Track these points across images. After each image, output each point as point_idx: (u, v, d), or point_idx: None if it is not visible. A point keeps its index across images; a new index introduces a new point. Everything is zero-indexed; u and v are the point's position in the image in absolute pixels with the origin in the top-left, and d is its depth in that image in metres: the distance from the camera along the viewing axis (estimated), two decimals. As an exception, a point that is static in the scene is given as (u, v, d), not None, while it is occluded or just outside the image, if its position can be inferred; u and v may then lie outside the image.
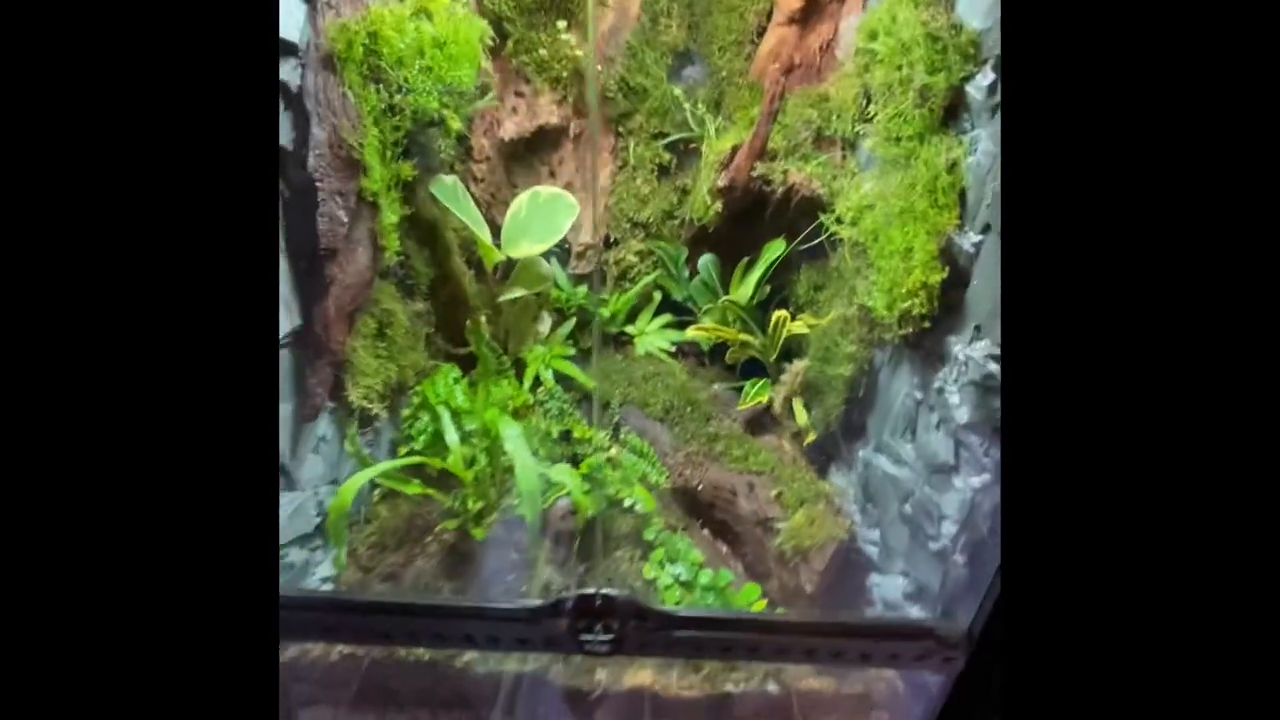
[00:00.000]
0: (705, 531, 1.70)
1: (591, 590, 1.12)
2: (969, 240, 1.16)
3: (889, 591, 1.43)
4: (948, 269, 1.19)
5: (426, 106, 1.40)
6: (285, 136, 1.22)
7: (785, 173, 1.70)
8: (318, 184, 1.24)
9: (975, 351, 1.13)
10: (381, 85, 1.32)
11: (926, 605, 1.35)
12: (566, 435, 1.87)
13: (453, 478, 1.54)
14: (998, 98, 1.11)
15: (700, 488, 1.68)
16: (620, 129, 1.95)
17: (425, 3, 1.36)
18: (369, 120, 1.31)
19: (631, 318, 2.22)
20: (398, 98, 1.35)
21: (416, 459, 1.47)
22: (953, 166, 1.19)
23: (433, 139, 1.61)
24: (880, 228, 1.35)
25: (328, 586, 1.43)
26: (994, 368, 1.09)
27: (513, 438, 1.44)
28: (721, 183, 1.79)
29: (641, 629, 1.10)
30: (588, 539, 1.58)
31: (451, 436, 1.58)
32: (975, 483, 1.18)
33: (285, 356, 1.29)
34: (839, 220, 1.54)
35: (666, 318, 2.21)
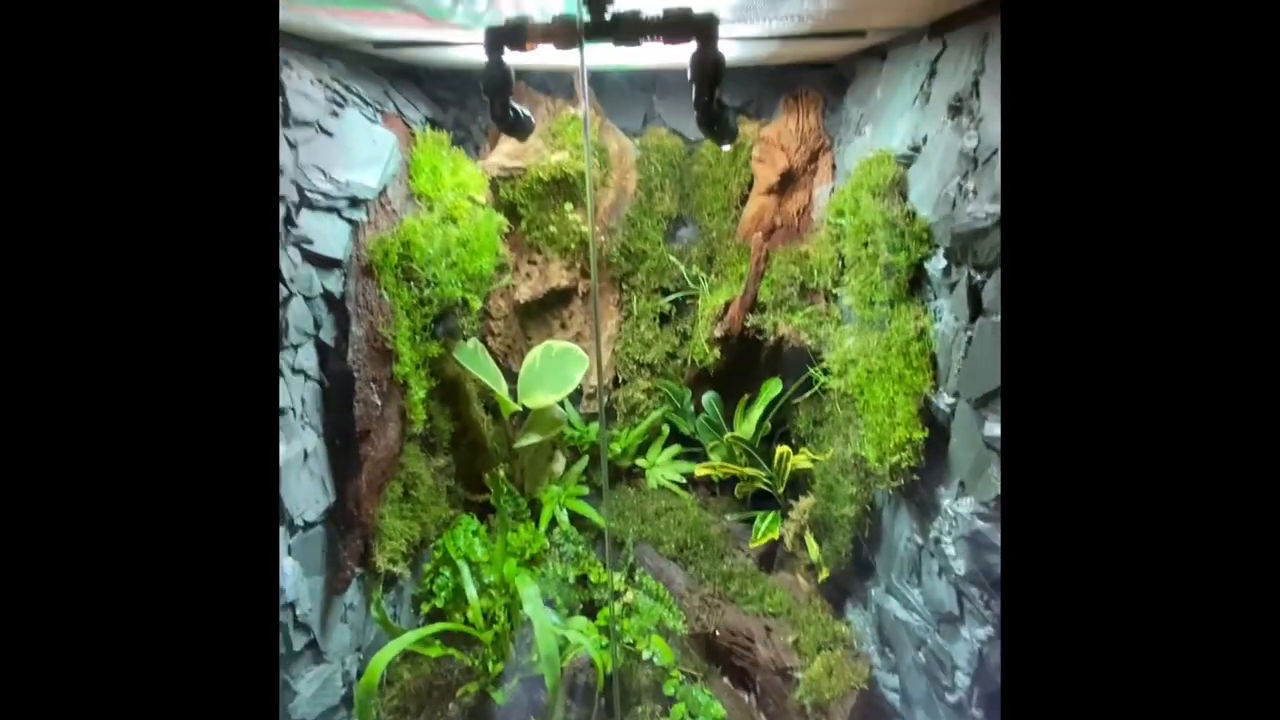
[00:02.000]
0: (725, 680, 1.69)
1: (613, 764, 1.14)
2: (944, 400, 1.26)
3: (915, 745, 1.41)
4: (928, 429, 1.28)
5: (453, 295, 1.58)
6: (328, 335, 1.39)
7: (775, 325, 1.85)
8: (355, 375, 1.40)
9: (962, 508, 1.20)
10: (413, 283, 1.50)
11: (954, 761, 1.32)
12: (583, 579, 1.91)
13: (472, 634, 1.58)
14: (954, 277, 1.25)
15: (717, 633, 1.69)
16: (624, 285, 2.14)
17: (451, 210, 1.58)
18: (401, 314, 1.48)
19: (643, 451, 2.31)
20: (427, 291, 1.53)
21: (441, 626, 1.51)
22: (921, 334, 1.32)
23: (456, 314, 1.79)
24: (864, 383, 1.47)
25: (351, 761, 1.43)
26: (981, 525, 1.16)
27: (531, 598, 1.49)
28: (718, 333, 1.95)
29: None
30: (607, 694, 1.58)
31: (471, 591, 1.63)
32: (981, 634, 1.21)
33: (319, 532, 1.39)
34: (826, 372, 1.66)
35: (676, 448, 2.30)
